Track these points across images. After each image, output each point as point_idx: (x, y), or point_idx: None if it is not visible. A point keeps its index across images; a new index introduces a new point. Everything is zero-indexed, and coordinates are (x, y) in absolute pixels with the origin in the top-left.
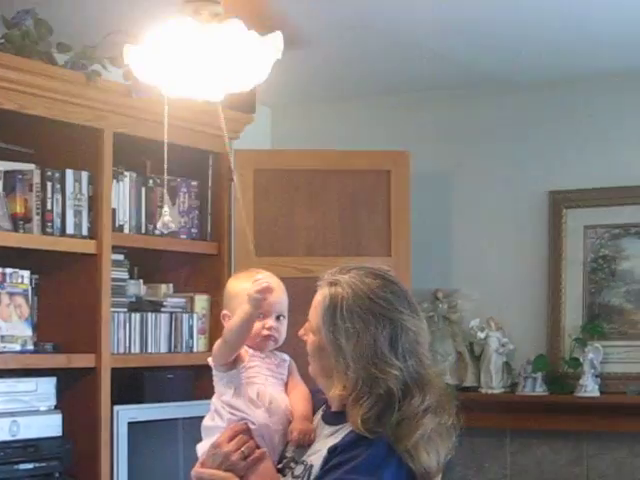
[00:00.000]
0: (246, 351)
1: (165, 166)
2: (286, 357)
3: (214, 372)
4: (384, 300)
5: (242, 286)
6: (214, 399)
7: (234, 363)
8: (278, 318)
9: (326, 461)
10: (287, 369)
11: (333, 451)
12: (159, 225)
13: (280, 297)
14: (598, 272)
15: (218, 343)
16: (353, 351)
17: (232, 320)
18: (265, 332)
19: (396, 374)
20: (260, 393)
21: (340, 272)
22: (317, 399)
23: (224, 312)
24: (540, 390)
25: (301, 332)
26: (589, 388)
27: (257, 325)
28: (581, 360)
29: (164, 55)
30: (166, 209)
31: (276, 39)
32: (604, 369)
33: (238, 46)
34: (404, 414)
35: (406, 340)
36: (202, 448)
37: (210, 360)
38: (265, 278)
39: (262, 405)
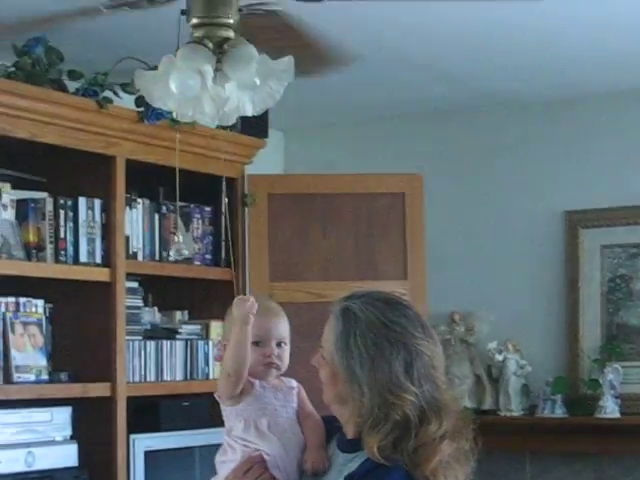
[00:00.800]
0: (252, 382)
1: (177, 192)
2: (294, 383)
3: (222, 407)
4: (398, 325)
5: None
6: (225, 435)
7: (241, 396)
8: (279, 345)
9: None
10: (296, 396)
11: (350, 479)
12: (172, 252)
13: (279, 322)
14: (616, 292)
15: (221, 377)
16: (368, 377)
17: (227, 349)
18: (266, 360)
19: (412, 400)
20: (271, 424)
21: (351, 298)
22: (332, 427)
23: (225, 342)
24: (559, 412)
25: (313, 361)
26: (609, 409)
27: (257, 354)
28: (600, 381)
29: (175, 80)
30: (179, 237)
31: (288, 63)
32: (624, 390)
33: (250, 70)
34: (421, 440)
35: (421, 365)
36: None
37: (217, 395)
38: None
39: (274, 437)
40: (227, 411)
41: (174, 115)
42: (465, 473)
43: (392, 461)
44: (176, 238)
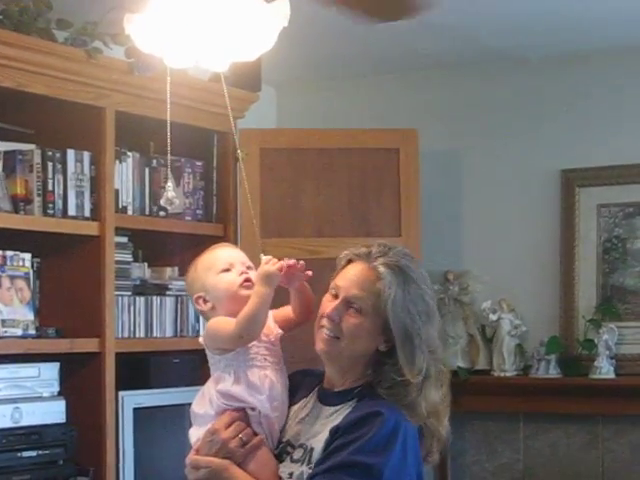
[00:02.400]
0: None
1: (169, 141)
2: (279, 329)
3: (209, 355)
4: (430, 289)
5: (209, 263)
6: (210, 385)
7: None
8: (249, 268)
9: (328, 443)
10: (279, 337)
11: (335, 432)
12: (162, 201)
13: (236, 250)
14: (612, 252)
15: (230, 336)
16: (425, 337)
17: (246, 309)
18: (242, 277)
19: (440, 358)
20: (261, 377)
21: (383, 251)
22: (308, 381)
23: (199, 294)
24: (554, 373)
25: (333, 313)
26: (604, 370)
27: (232, 277)
28: (596, 342)
29: (167, 24)
30: (170, 184)
31: (283, 5)
32: (619, 351)
33: (244, 13)
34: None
35: (438, 328)
36: (195, 434)
37: (202, 341)
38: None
39: (263, 391)
40: (215, 359)
41: (166, 61)
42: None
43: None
44: (167, 186)
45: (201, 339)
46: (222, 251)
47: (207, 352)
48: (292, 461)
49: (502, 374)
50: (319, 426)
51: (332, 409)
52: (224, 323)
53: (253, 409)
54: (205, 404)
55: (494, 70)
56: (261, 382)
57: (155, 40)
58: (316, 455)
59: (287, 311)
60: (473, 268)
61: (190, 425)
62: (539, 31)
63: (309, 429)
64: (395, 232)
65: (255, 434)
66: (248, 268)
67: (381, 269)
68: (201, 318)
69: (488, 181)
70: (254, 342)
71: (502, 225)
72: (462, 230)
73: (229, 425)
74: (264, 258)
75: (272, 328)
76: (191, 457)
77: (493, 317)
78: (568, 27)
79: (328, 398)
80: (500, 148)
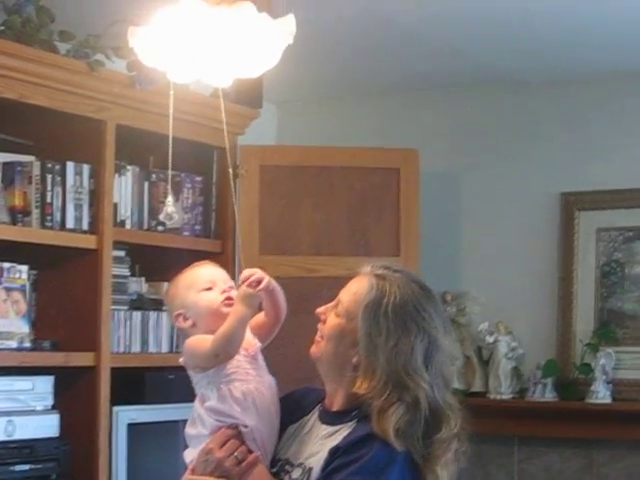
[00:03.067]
0: None
1: (170, 155)
2: (258, 342)
3: (191, 374)
4: (427, 313)
5: (190, 281)
6: (197, 405)
7: None
8: (231, 287)
9: (327, 463)
10: (259, 350)
11: (335, 452)
12: (162, 216)
13: (219, 269)
14: (611, 276)
15: (206, 355)
16: (389, 353)
17: (223, 328)
18: (224, 295)
19: (425, 388)
20: (245, 391)
21: (386, 269)
22: (309, 399)
23: (180, 311)
24: (550, 396)
25: (321, 310)
26: (600, 395)
27: (213, 295)
28: (592, 366)
29: (170, 38)
30: (169, 199)
31: (289, 22)
32: (616, 375)
33: (248, 29)
34: (442, 436)
35: (438, 360)
36: (189, 455)
37: (182, 360)
38: (252, 271)
39: (250, 405)
40: (198, 377)
41: (168, 76)
42: (453, 473)
43: (405, 445)
44: (167, 201)
45: (181, 359)
46: (204, 269)
47: (189, 372)
48: None
49: (498, 397)
50: (318, 445)
51: (331, 429)
52: (201, 341)
53: (245, 426)
54: (197, 425)
55: (495, 92)
56: (245, 396)
57: (158, 54)
58: (315, 475)
59: (259, 316)
60: (471, 289)
61: (185, 446)
62: (539, 54)
63: (308, 448)
64: (394, 252)
65: (250, 452)
66: (230, 287)
67: (371, 278)
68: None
69: (488, 203)
70: (235, 357)
71: (501, 247)
72: (461, 251)
73: (223, 444)
74: (242, 276)
75: (251, 342)
76: (186, 477)
77: (490, 339)
78: (569, 50)
79: (327, 417)
80: (500, 170)
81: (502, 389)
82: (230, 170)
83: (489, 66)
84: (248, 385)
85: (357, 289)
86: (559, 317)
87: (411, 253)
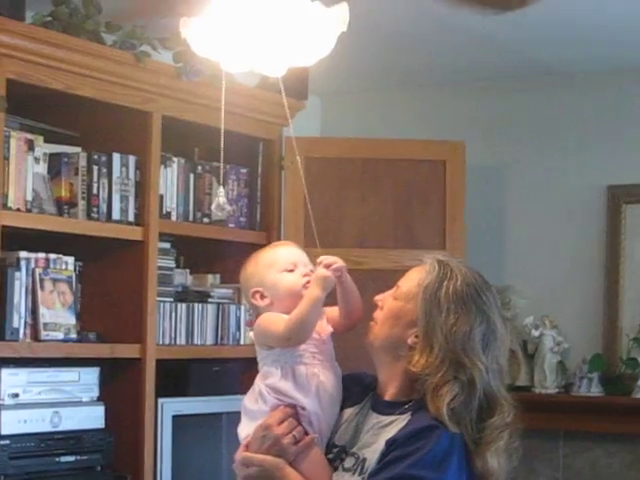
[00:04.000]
0: None
1: (222, 144)
2: (330, 329)
3: (257, 349)
4: (488, 299)
5: (271, 260)
6: (258, 380)
7: None
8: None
9: (383, 455)
10: (331, 342)
11: (391, 444)
12: (213, 207)
13: (301, 251)
14: None
15: (279, 337)
16: (448, 330)
17: (297, 312)
18: (305, 279)
19: (481, 368)
20: (308, 374)
21: (448, 257)
22: (362, 385)
23: (258, 289)
24: (596, 391)
25: (379, 297)
26: None
27: (294, 277)
28: (639, 360)
29: (224, 28)
30: (221, 190)
31: (342, 10)
32: None
33: (302, 16)
34: (494, 422)
35: (495, 347)
36: (244, 431)
37: (252, 335)
38: (332, 258)
39: (311, 389)
40: (263, 354)
41: (221, 65)
42: (506, 471)
43: (459, 426)
44: (219, 191)
45: (251, 334)
46: (286, 250)
47: (256, 347)
48: (344, 469)
49: (543, 391)
50: (371, 436)
51: (384, 419)
52: (275, 321)
53: (303, 408)
54: (257, 399)
55: (541, 84)
56: (308, 380)
57: (211, 44)
58: (370, 466)
59: (335, 312)
60: (516, 283)
61: (239, 422)
62: (586, 46)
63: (361, 437)
64: (439, 245)
65: (306, 433)
66: (311, 271)
67: (433, 263)
68: (242, 327)
69: (532, 196)
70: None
71: (546, 240)
72: (505, 244)
73: (282, 421)
74: (319, 260)
75: (324, 326)
76: (242, 453)
77: (535, 333)
78: (614, 42)
79: (379, 406)
80: (545, 163)
81: (547, 383)
82: (298, 160)
83: (535, 59)
84: (313, 369)
85: (418, 274)
86: (605, 311)
87: (457, 246)
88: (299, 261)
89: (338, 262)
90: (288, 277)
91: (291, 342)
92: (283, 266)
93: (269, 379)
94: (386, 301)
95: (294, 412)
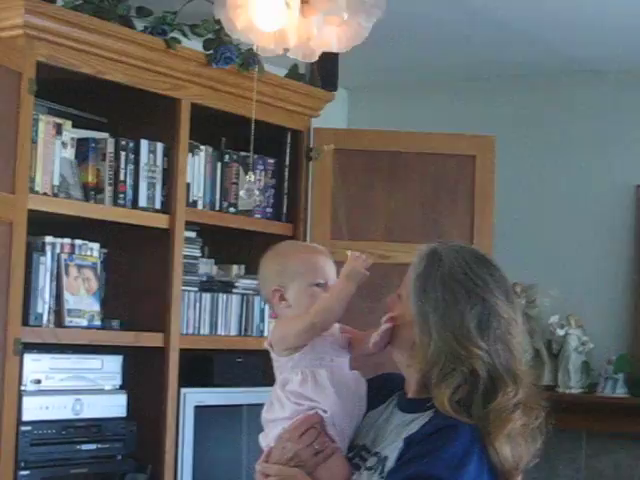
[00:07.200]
0: None
1: (252, 133)
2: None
3: (274, 358)
4: (480, 280)
5: (304, 267)
6: (276, 389)
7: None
8: None
9: (402, 452)
10: (344, 339)
11: (410, 442)
12: (242, 192)
13: (332, 266)
14: None
15: (303, 326)
16: (438, 323)
17: (327, 300)
18: None
19: (480, 355)
20: (328, 377)
21: (442, 243)
22: (390, 385)
23: (279, 289)
24: (621, 392)
25: (388, 299)
26: None
27: (318, 296)
28: None
29: (258, 12)
30: (250, 174)
31: None
32: None
33: (338, 3)
34: (495, 405)
35: (497, 326)
36: (265, 439)
37: (268, 344)
38: (360, 254)
39: (332, 391)
40: (281, 362)
41: (254, 49)
42: (530, 452)
43: (463, 417)
44: (249, 175)
45: (265, 343)
46: (321, 260)
47: (272, 355)
48: (366, 469)
49: (567, 391)
50: (394, 434)
51: (407, 417)
52: (294, 319)
53: (325, 411)
54: (275, 409)
55: (571, 81)
56: (327, 382)
57: (246, 27)
58: (389, 464)
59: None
60: (541, 281)
61: (260, 414)
62: (617, 43)
63: (384, 435)
64: (467, 240)
65: (329, 440)
66: None
67: (421, 253)
68: (266, 318)
69: (560, 194)
70: (321, 342)
71: (574, 239)
72: (532, 242)
73: (303, 433)
74: (350, 254)
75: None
76: (261, 464)
77: (560, 332)
78: None
79: (403, 404)
80: (574, 160)
81: (571, 383)
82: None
83: (566, 55)
84: (332, 371)
85: (410, 269)
86: (632, 311)
87: (484, 242)
88: (331, 277)
89: (369, 260)
90: (316, 291)
91: (316, 328)
92: (315, 279)
93: (288, 385)
94: (394, 302)
95: (316, 420)
